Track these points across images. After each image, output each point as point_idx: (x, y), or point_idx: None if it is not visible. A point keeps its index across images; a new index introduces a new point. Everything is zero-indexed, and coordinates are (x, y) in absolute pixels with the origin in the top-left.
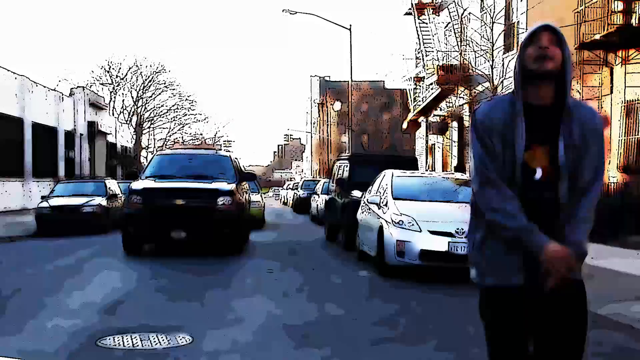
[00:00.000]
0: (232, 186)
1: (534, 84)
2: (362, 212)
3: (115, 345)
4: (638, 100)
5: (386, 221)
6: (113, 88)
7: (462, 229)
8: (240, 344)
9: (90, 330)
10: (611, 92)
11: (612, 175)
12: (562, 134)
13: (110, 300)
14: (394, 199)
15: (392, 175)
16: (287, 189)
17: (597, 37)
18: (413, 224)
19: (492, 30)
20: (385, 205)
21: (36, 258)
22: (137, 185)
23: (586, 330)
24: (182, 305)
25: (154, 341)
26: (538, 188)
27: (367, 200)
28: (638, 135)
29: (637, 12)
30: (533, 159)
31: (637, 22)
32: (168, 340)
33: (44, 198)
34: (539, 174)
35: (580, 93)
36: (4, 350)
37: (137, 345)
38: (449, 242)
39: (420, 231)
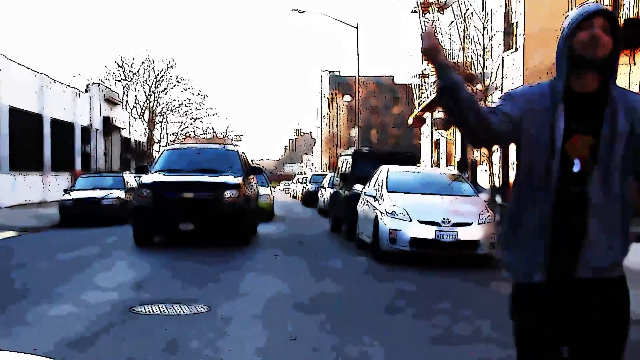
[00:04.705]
0: (239, 180)
1: (578, 71)
2: (361, 204)
3: (146, 312)
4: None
5: (381, 212)
6: (126, 83)
7: (448, 219)
8: (250, 312)
9: (124, 301)
10: None
11: None
12: (605, 123)
13: (137, 280)
14: (389, 192)
15: (388, 170)
16: (296, 183)
17: None
18: (404, 214)
19: (482, 34)
20: (381, 197)
21: (64, 246)
22: (146, 179)
23: (627, 334)
24: (199, 283)
25: (178, 310)
26: (577, 181)
27: (366, 193)
28: None
29: (622, 15)
30: (573, 148)
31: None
32: (189, 309)
33: (66, 191)
34: (577, 165)
35: None
36: (59, 311)
37: (164, 312)
38: (435, 230)
39: (411, 221)
